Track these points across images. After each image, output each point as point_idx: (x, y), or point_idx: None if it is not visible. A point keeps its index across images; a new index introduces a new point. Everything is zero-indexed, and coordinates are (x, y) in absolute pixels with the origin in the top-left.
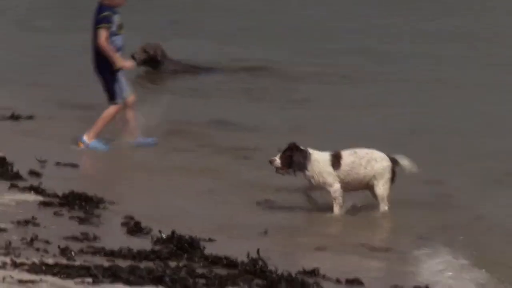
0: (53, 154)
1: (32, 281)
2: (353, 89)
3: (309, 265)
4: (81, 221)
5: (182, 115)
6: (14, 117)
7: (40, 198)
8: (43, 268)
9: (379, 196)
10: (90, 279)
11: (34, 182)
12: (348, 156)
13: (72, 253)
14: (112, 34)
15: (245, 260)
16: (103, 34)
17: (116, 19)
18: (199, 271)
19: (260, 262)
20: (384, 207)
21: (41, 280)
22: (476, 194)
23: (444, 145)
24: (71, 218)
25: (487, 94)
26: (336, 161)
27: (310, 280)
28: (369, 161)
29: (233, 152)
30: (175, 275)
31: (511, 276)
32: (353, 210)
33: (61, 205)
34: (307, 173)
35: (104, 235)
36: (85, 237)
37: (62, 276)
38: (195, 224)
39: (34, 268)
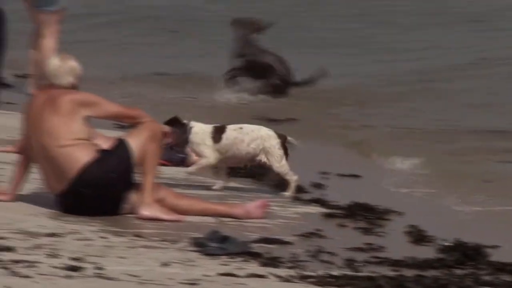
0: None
1: None
2: None
3: None
4: (365, 231)
5: None
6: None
7: (323, 210)
8: (329, 280)
9: (281, 173)
10: None
11: (317, 194)
12: (231, 131)
13: (357, 264)
14: None
15: None
16: None
17: None
18: (485, 278)
19: None
20: (292, 177)
21: None
22: None
23: None
24: (355, 229)
25: None
26: (217, 134)
27: None
28: (254, 139)
29: None
30: (461, 283)
31: None
32: None
33: (345, 216)
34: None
35: (388, 245)
36: (369, 247)
37: (348, 287)
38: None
39: (321, 281)
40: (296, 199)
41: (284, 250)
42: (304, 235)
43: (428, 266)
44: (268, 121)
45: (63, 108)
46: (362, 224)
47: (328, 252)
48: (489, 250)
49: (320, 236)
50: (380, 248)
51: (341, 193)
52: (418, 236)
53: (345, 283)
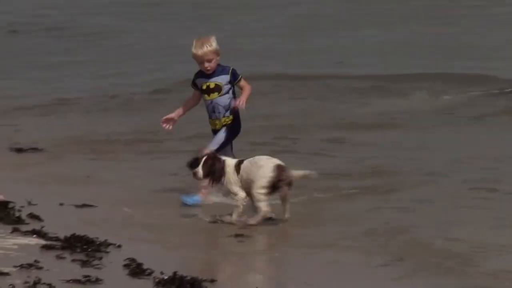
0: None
1: None
2: None
3: None
4: (83, 263)
5: None
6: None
7: (42, 241)
8: None
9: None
10: None
11: (36, 225)
12: (246, 162)
13: None
14: None
15: None
16: None
17: None
18: None
19: None
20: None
21: None
22: None
23: None
24: (73, 261)
25: None
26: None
27: None
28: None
29: None
30: None
31: None
32: None
33: (63, 248)
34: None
35: (106, 278)
36: (87, 279)
37: None
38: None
39: None
40: (15, 230)
41: (2, 280)
42: (23, 266)
43: None
44: None
45: None
46: (80, 256)
47: (47, 284)
48: (206, 284)
49: (39, 268)
50: (98, 281)
51: (64, 224)
52: (136, 269)
53: None
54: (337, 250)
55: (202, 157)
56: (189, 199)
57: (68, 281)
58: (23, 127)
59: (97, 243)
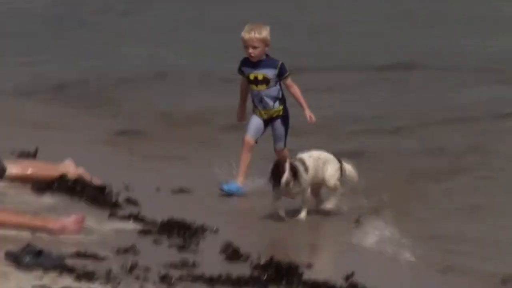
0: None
1: None
2: None
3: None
4: (180, 248)
5: None
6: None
7: (139, 226)
8: None
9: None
10: None
11: (133, 210)
12: (309, 159)
13: (172, 280)
14: None
15: (344, 284)
16: None
17: None
18: None
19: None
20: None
21: None
22: None
23: None
24: (170, 246)
25: None
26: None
27: None
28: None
29: None
30: None
31: None
32: None
33: (160, 233)
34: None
35: (203, 262)
36: (184, 264)
37: None
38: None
39: None
40: (112, 215)
41: (99, 265)
42: (119, 250)
43: (242, 283)
44: None
45: None
46: (177, 241)
47: (143, 268)
48: (302, 269)
49: (135, 252)
50: (195, 265)
51: (160, 209)
52: (232, 254)
53: None
54: None
55: (284, 164)
56: (227, 187)
57: (165, 265)
58: (124, 104)
59: (194, 227)
